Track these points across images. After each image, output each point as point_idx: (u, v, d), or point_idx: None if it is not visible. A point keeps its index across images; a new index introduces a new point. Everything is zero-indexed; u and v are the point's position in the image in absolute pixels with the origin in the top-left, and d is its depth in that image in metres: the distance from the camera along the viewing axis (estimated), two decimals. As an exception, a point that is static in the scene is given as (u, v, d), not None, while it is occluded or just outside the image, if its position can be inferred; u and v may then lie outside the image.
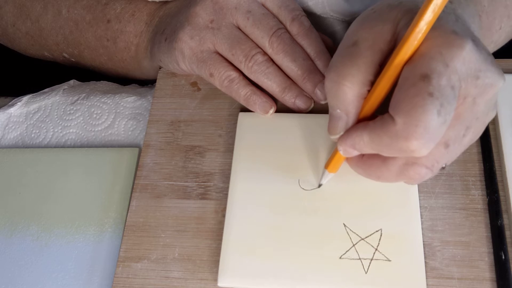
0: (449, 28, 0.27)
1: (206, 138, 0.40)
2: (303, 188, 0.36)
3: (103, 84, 0.49)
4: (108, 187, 0.40)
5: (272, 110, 0.39)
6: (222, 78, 0.39)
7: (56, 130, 0.45)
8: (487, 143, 0.37)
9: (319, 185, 0.36)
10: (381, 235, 0.34)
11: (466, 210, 0.35)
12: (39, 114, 0.46)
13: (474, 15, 0.32)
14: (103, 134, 0.44)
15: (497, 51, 0.42)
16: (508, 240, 0.34)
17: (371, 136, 0.28)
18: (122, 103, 0.45)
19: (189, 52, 0.40)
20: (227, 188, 0.37)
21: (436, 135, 0.26)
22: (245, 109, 0.40)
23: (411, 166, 0.29)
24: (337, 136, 0.31)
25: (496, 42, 0.40)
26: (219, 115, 0.41)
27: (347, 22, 0.45)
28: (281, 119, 0.39)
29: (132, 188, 0.39)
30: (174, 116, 0.42)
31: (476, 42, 0.27)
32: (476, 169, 0.37)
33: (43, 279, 0.37)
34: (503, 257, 0.33)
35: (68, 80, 0.49)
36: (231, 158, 0.38)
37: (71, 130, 0.45)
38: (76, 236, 0.38)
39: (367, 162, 0.31)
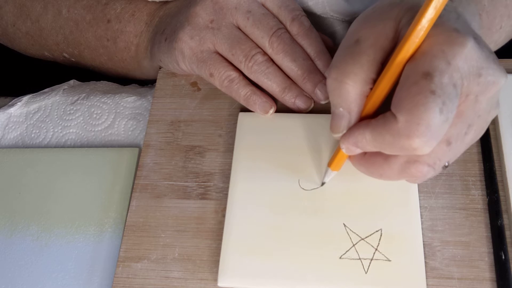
0: (451, 26, 0.27)
1: (206, 138, 0.40)
2: (303, 188, 0.36)
3: (103, 84, 0.49)
4: (108, 187, 0.40)
5: (272, 110, 0.39)
6: (222, 78, 0.39)
7: (56, 130, 0.45)
8: (487, 143, 0.37)
9: (322, 183, 0.36)
10: (381, 235, 0.34)
11: (466, 210, 0.35)
12: (39, 114, 0.46)
13: (474, 14, 0.32)
14: (103, 134, 0.44)
15: (497, 50, 0.42)
16: (508, 240, 0.34)
17: (373, 134, 0.28)
18: (122, 103, 0.45)
19: (189, 52, 0.40)
20: (227, 188, 0.37)
21: (438, 133, 0.26)
22: (245, 109, 0.40)
23: (413, 164, 0.29)
24: (340, 134, 0.31)
25: (496, 41, 0.40)
26: (219, 115, 0.41)
27: (347, 22, 0.45)
28: (281, 119, 0.39)
29: (132, 188, 0.39)
30: (174, 116, 0.42)
31: (478, 40, 0.27)
32: (476, 169, 0.37)
33: (43, 279, 0.37)
34: (503, 257, 0.33)
35: (68, 80, 0.49)
36: (231, 158, 0.38)
37: (71, 130, 0.45)
38: (76, 236, 0.38)
39: (369, 160, 0.31)
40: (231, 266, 0.33)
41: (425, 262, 0.33)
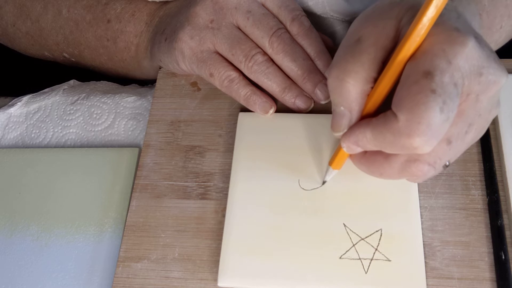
0: (452, 25, 0.27)
1: (206, 138, 0.40)
2: (303, 188, 0.36)
3: (103, 84, 0.49)
4: (108, 187, 0.40)
5: (272, 110, 0.39)
6: (222, 78, 0.39)
7: (56, 130, 0.45)
8: (487, 143, 0.37)
9: (323, 182, 0.36)
10: (381, 235, 0.34)
11: (466, 210, 0.35)
12: (39, 114, 0.46)
13: (474, 14, 0.32)
14: (103, 134, 0.44)
15: (498, 50, 0.42)
16: (508, 240, 0.34)
17: (374, 133, 0.28)
18: (122, 103, 0.45)
19: (189, 52, 0.40)
20: (227, 188, 0.37)
21: (439, 132, 0.26)
22: (245, 109, 0.40)
23: (413, 162, 0.29)
24: (341, 133, 0.31)
25: (496, 41, 0.40)
26: (219, 115, 0.41)
27: (347, 22, 0.45)
28: (281, 119, 0.39)
29: (132, 188, 0.39)
30: (174, 116, 0.42)
31: (479, 39, 0.27)
32: (476, 169, 0.37)
33: (43, 279, 0.37)
34: (503, 257, 0.33)
35: (68, 80, 0.49)
36: (231, 158, 0.38)
37: (71, 130, 0.45)
38: (76, 236, 0.38)
39: (370, 159, 0.31)
40: (231, 266, 0.33)
41: (425, 262, 0.33)
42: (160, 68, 0.45)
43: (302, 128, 0.38)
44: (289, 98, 0.39)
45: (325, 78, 0.39)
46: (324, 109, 0.40)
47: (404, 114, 0.26)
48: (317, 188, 0.36)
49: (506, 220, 0.34)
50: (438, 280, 0.33)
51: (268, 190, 0.36)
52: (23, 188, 0.41)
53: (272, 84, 0.39)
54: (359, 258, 0.33)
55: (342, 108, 0.30)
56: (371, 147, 0.30)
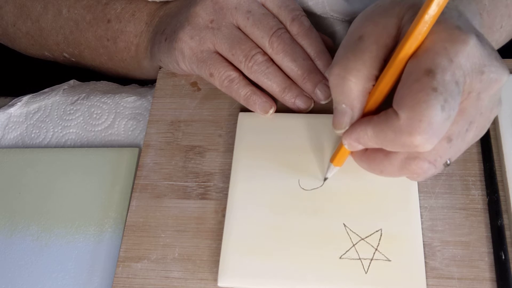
0: (453, 23, 0.27)
1: (206, 138, 0.40)
2: (303, 188, 0.36)
3: (103, 84, 0.49)
4: (108, 187, 0.40)
5: (272, 110, 0.39)
6: (222, 78, 0.39)
7: (56, 130, 0.45)
8: (487, 143, 0.37)
9: (325, 179, 0.36)
10: (381, 235, 0.34)
11: (466, 210, 0.35)
12: (39, 114, 0.46)
13: (475, 13, 0.32)
14: (103, 134, 0.44)
15: (498, 50, 0.41)
16: (508, 240, 0.34)
17: (375, 131, 0.28)
18: (122, 103, 0.45)
19: (189, 52, 0.40)
20: (227, 188, 0.37)
21: (440, 131, 0.26)
22: (245, 109, 0.40)
23: (413, 160, 0.29)
24: (342, 131, 0.31)
25: (497, 41, 0.40)
26: (219, 115, 0.41)
27: (347, 22, 0.45)
28: (281, 119, 0.39)
29: (132, 188, 0.39)
30: (174, 116, 0.42)
31: (480, 38, 0.27)
32: (476, 169, 0.37)
33: (43, 279, 0.37)
34: (503, 257, 0.33)
35: (68, 80, 0.49)
36: (231, 158, 0.38)
37: (71, 130, 0.45)
38: (76, 236, 0.38)
39: (371, 156, 0.31)
40: (231, 266, 0.33)
41: (425, 262, 0.33)
42: (160, 68, 0.45)
43: (302, 128, 0.38)
44: (289, 98, 0.39)
45: (325, 78, 0.39)
46: (324, 109, 0.40)
47: (405, 112, 0.26)
48: (317, 188, 0.36)
49: (506, 220, 0.34)
50: (438, 280, 0.33)
51: (268, 190, 0.36)
52: (23, 188, 0.41)
53: (272, 84, 0.39)
54: (359, 258, 0.33)
55: (343, 105, 0.30)
56: (372, 144, 0.30)
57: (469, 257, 0.34)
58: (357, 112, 0.30)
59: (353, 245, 0.33)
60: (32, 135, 0.45)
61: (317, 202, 0.35)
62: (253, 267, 0.33)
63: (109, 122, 0.44)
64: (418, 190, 0.35)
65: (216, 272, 0.34)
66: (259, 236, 0.34)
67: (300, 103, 0.39)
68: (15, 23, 0.49)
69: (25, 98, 0.47)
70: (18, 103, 0.47)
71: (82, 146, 0.44)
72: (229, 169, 0.38)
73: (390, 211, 0.34)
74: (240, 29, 0.39)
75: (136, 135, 0.43)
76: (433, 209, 0.35)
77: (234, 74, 0.39)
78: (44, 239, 0.38)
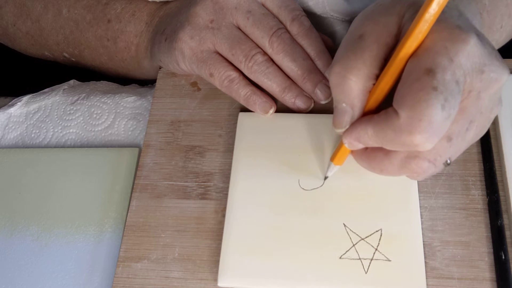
0: (454, 22, 0.27)
1: (206, 138, 0.40)
2: (303, 188, 0.36)
3: (103, 84, 0.49)
4: (108, 187, 0.40)
5: (272, 110, 0.39)
6: (222, 78, 0.39)
7: (56, 130, 0.45)
8: (487, 143, 0.37)
9: (325, 178, 0.36)
10: (381, 235, 0.34)
11: (466, 210, 0.35)
12: (39, 114, 0.46)
13: (475, 13, 0.32)
14: (103, 134, 0.44)
15: (498, 50, 0.41)
16: (508, 240, 0.34)
17: (375, 130, 0.28)
18: (122, 103, 0.45)
19: (189, 52, 0.40)
20: (227, 188, 0.37)
21: (440, 130, 0.26)
22: (245, 109, 0.40)
23: (413, 159, 0.29)
24: (343, 130, 0.31)
25: (497, 41, 0.40)
26: (219, 115, 0.41)
27: (347, 22, 0.45)
28: (281, 119, 0.39)
29: (132, 188, 0.39)
30: (174, 116, 0.42)
31: (481, 37, 0.27)
32: (476, 169, 0.37)
33: (43, 279, 0.37)
34: (503, 257, 0.33)
35: (68, 80, 0.49)
36: (231, 158, 0.38)
37: (71, 130, 0.45)
38: (76, 236, 0.38)
39: (371, 155, 0.31)
40: (231, 266, 0.33)
41: (425, 262, 0.33)
42: (160, 68, 0.45)
43: (302, 128, 0.38)
44: (289, 98, 0.39)
45: (325, 78, 0.39)
46: (324, 109, 0.40)
47: (405, 111, 0.26)
48: (317, 188, 0.36)
49: (506, 220, 0.34)
50: (438, 280, 0.33)
51: (268, 190, 0.36)
52: (23, 188, 0.41)
53: (272, 84, 0.39)
54: (359, 258, 0.33)
55: (344, 104, 0.30)
56: (372, 143, 0.30)
57: (469, 257, 0.34)
58: (357, 111, 0.30)
59: (353, 245, 0.33)
60: (32, 135, 0.45)
61: (317, 202, 0.35)
62: (253, 267, 0.33)
63: (109, 122, 0.44)
64: (418, 190, 0.35)
65: (216, 272, 0.34)
66: (259, 236, 0.34)
67: (300, 103, 0.39)
68: (15, 23, 0.49)
69: (25, 98, 0.47)
70: (18, 103, 0.47)
71: (82, 146, 0.44)
72: (229, 169, 0.38)
73: (390, 211, 0.34)
74: (240, 29, 0.39)
75: (136, 135, 0.43)
76: (433, 209, 0.35)
77: (234, 74, 0.39)
78: (44, 239, 0.38)
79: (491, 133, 0.38)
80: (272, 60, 0.39)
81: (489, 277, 0.33)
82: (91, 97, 0.46)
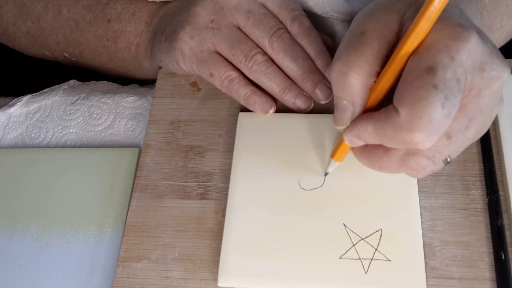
0: (455, 20, 0.27)
1: (206, 138, 0.40)
2: (303, 188, 0.36)
3: (103, 84, 0.49)
4: (108, 187, 0.40)
5: (272, 110, 0.39)
6: (222, 78, 0.39)
7: (56, 130, 0.45)
8: (487, 143, 0.37)
9: (326, 174, 0.36)
10: (381, 235, 0.34)
11: (466, 210, 0.35)
12: (39, 114, 0.46)
13: (475, 13, 0.32)
14: (103, 134, 0.44)
15: (498, 50, 0.42)
16: (508, 240, 0.34)
17: (375, 127, 0.29)
18: (122, 103, 0.45)
19: (189, 52, 0.40)
20: (227, 188, 0.37)
21: (440, 128, 0.26)
22: (245, 109, 0.40)
23: (412, 156, 0.29)
24: (343, 127, 0.31)
25: (497, 40, 0.40)
26: (219, 115, 0.41)
27: (347, 22, 0.45)
28: (281, 119, 0.39)
29: (132, 188, 0.39)
30: (174, 116, 0.42)
31: (482, 35, 0.27)
32: (476, 169, 0.37)
33: (43, 279, 0.37)
34: (503, 257, 0.33)
35: (68, 80, 0.49)
36: (231, 158, 0.38)
37: (71, 130, 0.45)
38: (76, 236, 0.38)
39: (370, 152, 0.31)
40: (231, 266, 0.33)
41: (425, 262, 0.33)
42: (160, 68, 0.45)
43: (302, 128, 0.38)
44: (289, 98, 0.39)
45: (325, 78, 0.39)
46: (324, 109, 0.40)
47: (405, 109, 0.26)
48: (317, 188, 0.36)
49: (506, 220, 0.34)
50: (438, 280, 0.33)
51: (268, 190, 0.36)
52: (23, 188, 0.41)
53: (272, 84, 0.39)
54: (359, 258, 0.33)
55: (345, 102, 0.30)
56: (372, 141, 0.30)
57: (469, 257, 0.34)
58: (358, 108, 0.30)
59: (353, 245, 0.33)
60: (32, 135, 0.45)
61: (317, 202, 0.35)
62: (253, 267, 0.33)
63: (109, 122, 0.44)
64: (418, 190, 0.35)
65: (216, 272, 0.34)
66: (259, 236, 0.34)
67: (300, 103, 0.39)
68: (15, 23, 0.49)
69: (25, 98, 0.47)
70: (18, 103, 0.47)
71: (82, 146, 0.44)
72: (229, 169, 0.38)
73: (390, 211, 0.34)
74: (240, 29, 0.39)
75: (136, 135, 0.43)
76: (433, 209, 0.35)
77: (234, 74, 0.39)
78: (44, 239, 0.38)
79: (491, 133, 0.38)
80: (272, 60, 0.39)
81: (489, 277, 0.33)
82: (91, 97, 0.46)
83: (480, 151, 0.37)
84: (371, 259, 0.33)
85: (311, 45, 0.40)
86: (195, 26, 0.39)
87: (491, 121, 0.30)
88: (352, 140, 0.31)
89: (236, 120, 0.40)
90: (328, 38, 0.43)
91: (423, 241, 0.34)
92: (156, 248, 0.36)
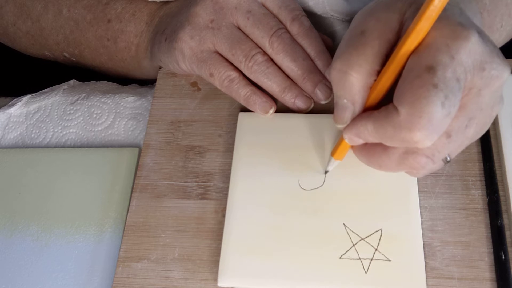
0: (455, 19, 0.27)
1: (206, 138, 0.40)
2: (303, 188, 0.36)
3: (103, 84, 0.49)
4: (108, 187, 0.40)
5: (272, 110, 0.39)
6: (222, 78, 0.39)
7: (56, 130, 0.45)
8: (487, 143, 0.37)
9: (325, 172, 0.36)
10: (381, 235, 0.34)
11: (466, 210, 0.35)
12: (39, 114, 0.46)
13: (475, 12, 0.32)
14: (103, 134, 0.44)
15: (498, 50, 0.42)
16: (508, 240, 0.34)
17: (375, 126, 0.29)
18: (122, 103, 0.45)
19: (189, 52, 0.40)
20: (227, 188, 0.37)
21: (440, 127, 0.26)
22: (245, 109, 0.40)
23: (411, 155, 0.29)
24: (344, 125, 0.31)
25: (497, 40, 0.40)
26: (219, 115, 0.41)
27: (347, 22, 0.45)
28: (281, 119, 0.39)
29: (132, 188, 0.39)
30: (174, 116, 0.42)
31: (482, 34, 0.27)
32: (476, 169, 0.37)
33: (43, 279, 0.37)
34: (503, 257, 0.33)
35: (68, 80, 0.49)
36: (231, 158, 0.38)
37: (71, 130, 0.45)
38: (76, 236, 0.38)
39: (370, 150, 0.31)
40: (231, 266, 0.33)
41: (425, 262, 0.33)
42: (160, 68, 0.45)
43: (302, 128, 0.38)
44: (289, 98, 0.39)
45: (325, 78, 0.39)
46: (324, 109, 0.40)
47: (405, 108, 0.26)
48: (317, 188, 0.36)
49: (506, 220, 0.34)
50: (438, 280, 0.33)
51: (268, 190, 0.36)
52: (23, 188, 0.41)
53: (272, 84, 0.39)
54: (359, 258, 0.33)
55: (345, 100, 0.30)
56: (372, 139, 0.30)
57: (469, 257, 0.34)
58: (358, 107, 0.30)
59: (353, 245, 0.33)
60: (32, 135, 0.45)
61: (317, 202, 0.35)
62: (253, 267, 0.33)
63: (109, 122, 0.44)
64: (418, 190, 0.35)
65: (216, 272, 0.34)
66: (259, 236, 0.34)
67: (300, 103, 0.39)
68: (15, 23, 0.49)
69: (25, 98, 0.47)
70: (18, 103, 0.47)
71: (82, 146, 0.44)
72: (229, 169, 0.38)
73: (390, 211, 0.34)
74: (240, 29, 0.39)
75: (136, 135, 0.43)
76: (433, 209, 0.35)
77: (234, 74, 0.39)
78: (44, 239, 0.38)
79: (491, 132, 0.38)
80: (272, 60, 0.39)
81: (489, 277, 0.33)
82: (91, 97, 0.46)
83: (480, 151, 0.37)
84: (371, 259, 0.33)
85: (311, 45, 0.40)
86: (195, 26, 0.39)
87: (491, 121, 0.30)
88: (352, 138, 0.31)
89: (236, 120, 0.40)
90: (328, 38, 0.43)
91: (423, 241, 0.34)
92: (156, 248, 0.36)
